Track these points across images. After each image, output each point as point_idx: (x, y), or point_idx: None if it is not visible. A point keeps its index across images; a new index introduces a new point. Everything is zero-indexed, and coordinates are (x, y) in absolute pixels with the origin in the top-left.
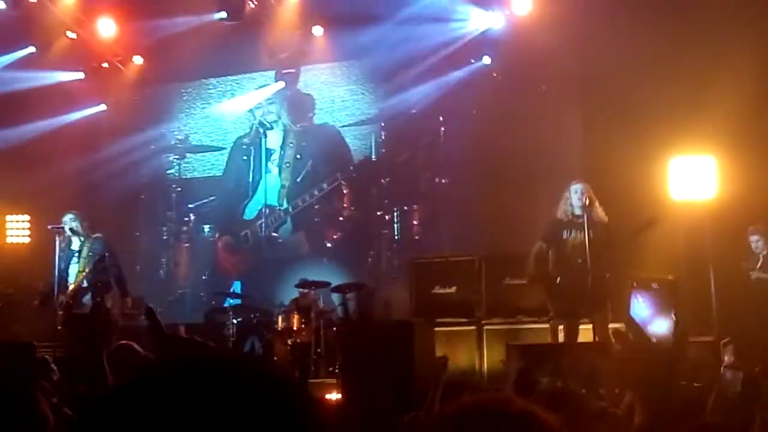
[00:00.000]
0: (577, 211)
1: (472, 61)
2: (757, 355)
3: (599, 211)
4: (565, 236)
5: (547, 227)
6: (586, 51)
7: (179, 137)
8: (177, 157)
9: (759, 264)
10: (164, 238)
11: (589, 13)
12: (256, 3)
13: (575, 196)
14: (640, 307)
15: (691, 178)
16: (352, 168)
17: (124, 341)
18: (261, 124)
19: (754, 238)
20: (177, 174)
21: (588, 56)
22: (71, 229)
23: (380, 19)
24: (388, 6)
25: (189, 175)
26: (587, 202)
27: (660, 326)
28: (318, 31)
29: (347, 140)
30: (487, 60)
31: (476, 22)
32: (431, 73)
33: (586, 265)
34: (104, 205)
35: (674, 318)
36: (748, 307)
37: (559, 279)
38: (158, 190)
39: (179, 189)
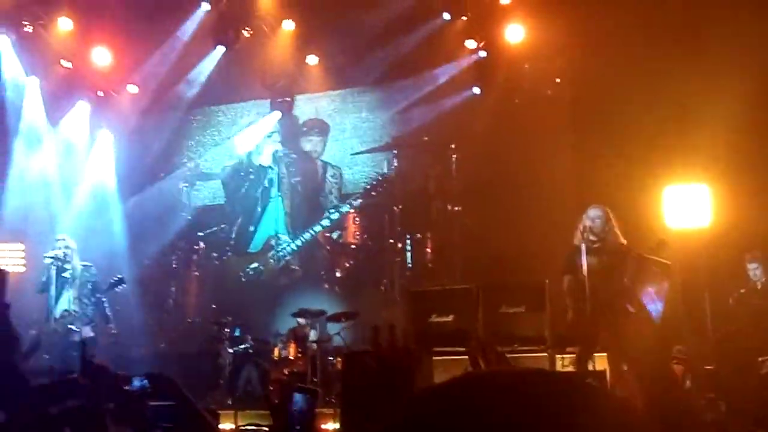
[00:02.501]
0: (591, 237)
1: (465, 89)
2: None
3: (616, 235)
4: (579, 263)
5: (566, 256)
6: (578, 79)
7: (190, 165)
8: (186, 184)
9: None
10: (173, 266)
11: (580, 41)
12: (251, 32)
13: (587, 221)
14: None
15: (686, 206)
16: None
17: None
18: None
19: (752, 265)
20: (187, 201)
21: (579, 84)
22: (65, 253)
23: (376, 48)
24: (382, 35)
25: (199, 203)
26: (602, 226)
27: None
28: (313, 59)
29: (359, 168)
30: (477, 90)
31: (470, 50)
32: (434, 99)
33: (602, 293)
34: (108, 233)
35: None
36: (744, 335)
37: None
38: (168, 218)
39: (189, 217)
